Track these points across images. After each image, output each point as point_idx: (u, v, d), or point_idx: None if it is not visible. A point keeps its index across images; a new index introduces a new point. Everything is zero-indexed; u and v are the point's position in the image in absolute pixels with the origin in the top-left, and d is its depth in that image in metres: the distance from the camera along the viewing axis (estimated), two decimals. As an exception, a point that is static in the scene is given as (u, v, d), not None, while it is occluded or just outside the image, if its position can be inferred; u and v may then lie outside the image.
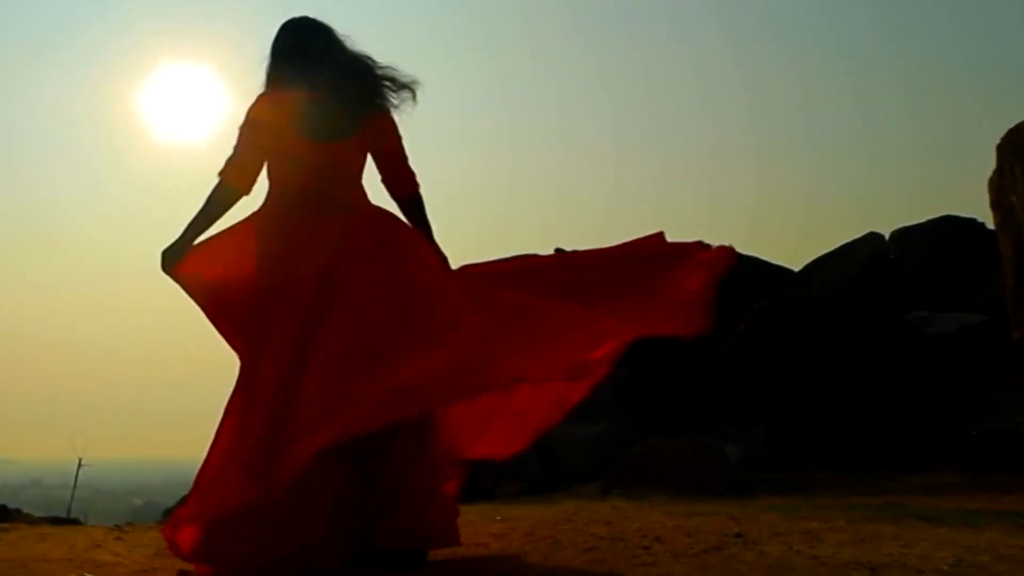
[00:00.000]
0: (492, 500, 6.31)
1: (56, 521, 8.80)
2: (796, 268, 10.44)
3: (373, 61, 3.40)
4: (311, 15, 3.48)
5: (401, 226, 3.44)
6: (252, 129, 3.31)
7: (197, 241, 3.37)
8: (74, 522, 8.83)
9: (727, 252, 3.50)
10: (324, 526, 3.11)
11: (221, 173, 3.35)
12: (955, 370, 6.78)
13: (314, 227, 3.28)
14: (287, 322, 3.22)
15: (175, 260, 3.35)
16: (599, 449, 7.28)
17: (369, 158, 3.43)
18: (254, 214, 3.40)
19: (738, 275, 10.18)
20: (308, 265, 3.23)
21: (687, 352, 8.40)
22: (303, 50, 3.35)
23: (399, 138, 3.43)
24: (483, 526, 4.41)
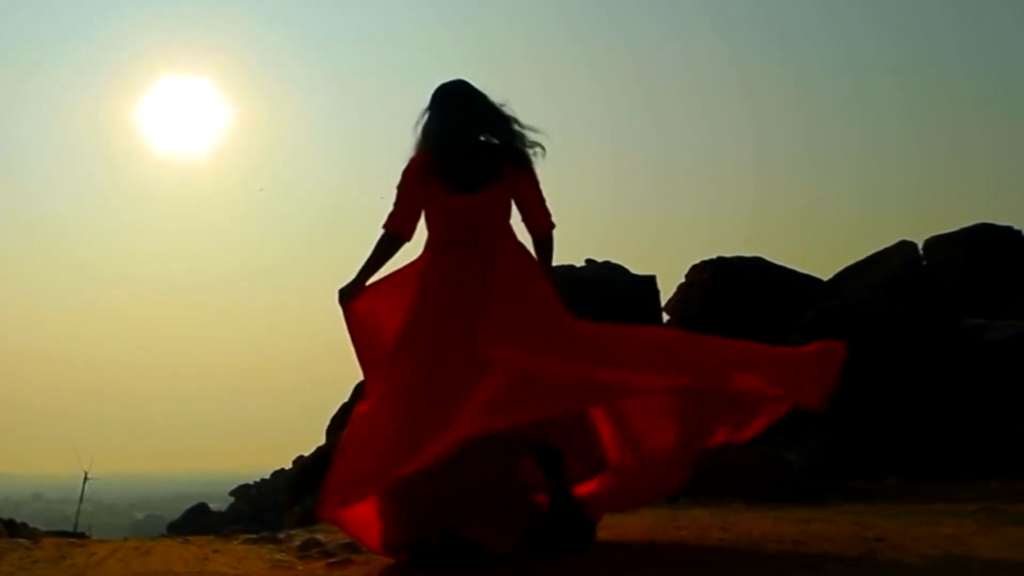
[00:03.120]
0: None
1: (64, 535, 8.68)
2: (821, 276, 10.47)
3: (509, 114, 3.68)
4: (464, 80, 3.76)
5: (534, 278, 3.74)
6: (408, 183, 3.70)
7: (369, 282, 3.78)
8: (81, 536, 8.71)
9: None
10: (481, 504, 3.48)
11: (385, 225, 3.74)
12: (1012, 376, 6.79)
13: (456, 277, 3.64)
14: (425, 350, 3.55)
15: (349, 298, 3.75)
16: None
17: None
18: (413, 262, 3.77)
19: (771, 284, 10.11)
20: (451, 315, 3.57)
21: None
22: (447, 105, 3.66)
23: (537, 185, 3.74)
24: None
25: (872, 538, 3.53)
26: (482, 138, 3.66)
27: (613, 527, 4.59)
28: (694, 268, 10.02)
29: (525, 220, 3.75)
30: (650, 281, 9.37)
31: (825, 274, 10.37)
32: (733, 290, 9.28)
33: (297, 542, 4.51)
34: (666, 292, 10.18)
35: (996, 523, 3.91)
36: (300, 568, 3.83)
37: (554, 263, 3.91)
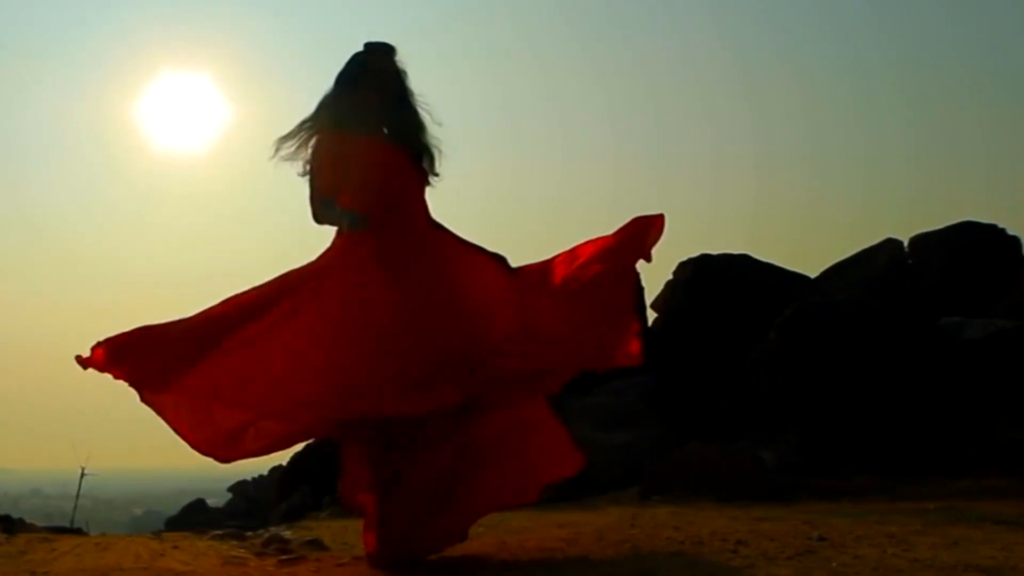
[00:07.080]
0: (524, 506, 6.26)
1: (60, 531, 8.67)
2: (810, 274, 10.47)
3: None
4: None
5: None
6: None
7: None
8: (78, 531, 8.72)
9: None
10: None
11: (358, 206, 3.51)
12: (988, 375, 6.78)
13: None
14: None
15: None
16: (630, 455, 7.26)
17: None
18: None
19: (757, 282, 10.10)
20: None
21: (715, 359, 8.41)
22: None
23: None
24: (545, 531, 4.37)
25: (816, 537, 3.54)
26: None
27: (575, 524, 4.63)
28: (681, 265, 10.03)
29: None
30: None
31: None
32: (716, 287, 9.29)
33: (262, 539, 4.55)
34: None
35: (944, 521, 3.92)
36: (252, 564, 3.86)
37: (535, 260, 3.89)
